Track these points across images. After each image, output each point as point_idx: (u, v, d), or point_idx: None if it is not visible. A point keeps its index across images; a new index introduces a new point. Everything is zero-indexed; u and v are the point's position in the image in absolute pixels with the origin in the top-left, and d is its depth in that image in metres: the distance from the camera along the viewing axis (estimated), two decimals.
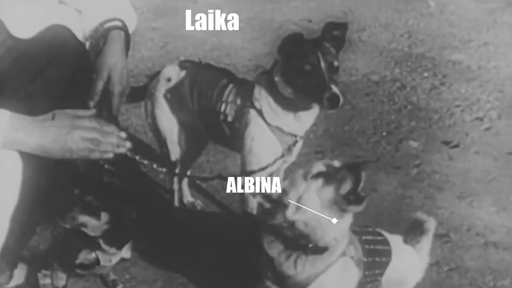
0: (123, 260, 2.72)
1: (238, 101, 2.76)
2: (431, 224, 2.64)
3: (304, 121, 2.72)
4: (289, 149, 2.74)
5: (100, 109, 2.32)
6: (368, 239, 2.38)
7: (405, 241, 2.60)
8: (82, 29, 2.40)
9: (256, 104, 2.69)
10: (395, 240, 2.52)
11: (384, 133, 3.91)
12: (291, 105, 2.64)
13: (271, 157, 2.73)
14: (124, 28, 2.36)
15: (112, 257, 2.65)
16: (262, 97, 2.68)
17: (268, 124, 2.68)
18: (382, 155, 3.73)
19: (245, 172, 2.76)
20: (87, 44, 2.38)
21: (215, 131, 2.87)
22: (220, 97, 2.80)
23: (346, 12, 5.52)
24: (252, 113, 2.70)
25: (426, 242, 2.63)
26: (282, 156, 2.74)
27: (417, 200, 3.37)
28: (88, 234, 2.49)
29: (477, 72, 4.60)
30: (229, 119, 2.77)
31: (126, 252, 2.69)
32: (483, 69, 4.64)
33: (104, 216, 2.46)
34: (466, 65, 4.69)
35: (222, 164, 3.65)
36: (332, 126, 3.99)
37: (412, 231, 2.63)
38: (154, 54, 4.76)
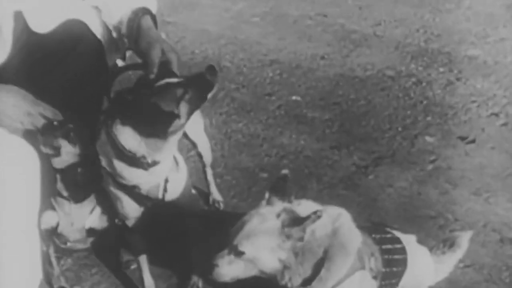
0: (90, 230, 2.72)
1: None
2: (463, 241, 2.63)
3: (145, 177, 2.45)
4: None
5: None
6: (387, 248, 2.36)
7: (430, 250, 2.59)
8: (110, 19, 2.43)
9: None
10: (409, 241, 2.49)
11: (400, 129, 3.90)
12: (126, 163, 2.40)
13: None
14: (152, 15, 2.41)
15: (74, 220, 2.64)
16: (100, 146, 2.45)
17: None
18: (397, 150, 3.71)
19: None
20: (123, 29, 2.40)
21: None
22: None
23: (362, 6, 5.50)
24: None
25: (452, 258, 2.62)
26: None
27: (433, 196, 3.36)
28: (55, 166, 2.48)
29: (493, 67, 4.57)
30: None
31: (92, 221, 2.70)
32: (500, 64, 4.61)
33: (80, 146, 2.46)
34: (482, 61, 4.66)
35: (237, 158, 3.66)
36: (347, 122, 3.98)
37: (442, 241, 2.62)
38: None
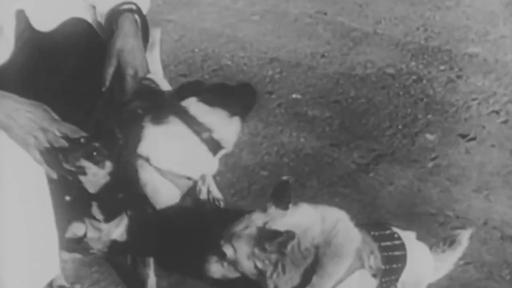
0: (114, 241, 2.71)
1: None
2: (463, 239, 2.62)
3: (205, 165, 2.58)
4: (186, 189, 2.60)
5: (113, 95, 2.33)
6: (386, 245, 2.34)
7: (430, 248, 2.58)
8: (101, 17, 2.41)
9: (141, 150, 2.48)
10: (409, 238, 2.48)
11: (400, 126, 3.89)
12: (208, 146, 2.50)
13: (169, 201, 2.59)
14: (137, 10, 2.36)
15: (102, 235, 2.63)
16: (154, 141, 2.48)
17: (157, 169, 2.49)
18: (398, 148, 3.71)
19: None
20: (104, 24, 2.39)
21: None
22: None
23: (362, 4, 5.50)
24: (139, 161, 2.49)
25: (452, 256, 2.61)
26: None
27: (433, 193, 3.36)
28: (89, 190, 2.45)
29: (494, 65, 4.56)
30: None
31: (119, 234, 2.67)
32: (500, 62, 4.61)
33: (108, 166, 2.42)
34: (482, 58, 4.65)
35: (237, 156, 3.65)
36: (348, 120, 3.98)
37: (442, 239, 2.62)
38: (169, 47, 4.76)
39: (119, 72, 2.31)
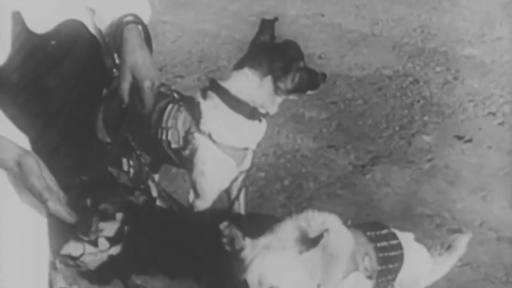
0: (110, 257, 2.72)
1: (180, 126, 2.60)
2: (460, 243, 2.62)
3: (255, 133, 2.62)
4: (241, 161, 2.63)
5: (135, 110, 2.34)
6: (383, 246, 2.34)
7: (428, 250, 2.58)
8: (101, 24, 2.40)
9: (203, 127, 2.54)
10: (407, 239, 2.48)
11: (397, 128, 3.90)
12: (245, 115, 2.53)
13: (225, 177, 2.63)
14: (139, 21, 2.35)
15: (99, 253, 2.63)
16: (210, 117, 2.54)
17: (219, 145, 2.54)
18: (394, 149, 3.72)
19: (196, 192, 2.65)
20: (109, 37, 2.38)
21: (159, 155, 2.70)
22: (158, 123, 2.64)
23: (359, 6, 5.51)
24: (199, 137, 2.55)
25: (448, 260, 2.61)
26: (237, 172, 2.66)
27: (430, 194, 3.36)
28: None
29: (490, 66, 4.58)
30: (173, 145, 2.62)
31: (114, 249, 2.68)
32: (496, 63, 4.62)
33: (119, 216, 2.45)
34: (479, 60, 4.66)
35: None
36: (345, 121, 3.98)
37: (440, 242, 2.62)
38: (165, 48, 4.76)
39: (136, 86, 2.30)
